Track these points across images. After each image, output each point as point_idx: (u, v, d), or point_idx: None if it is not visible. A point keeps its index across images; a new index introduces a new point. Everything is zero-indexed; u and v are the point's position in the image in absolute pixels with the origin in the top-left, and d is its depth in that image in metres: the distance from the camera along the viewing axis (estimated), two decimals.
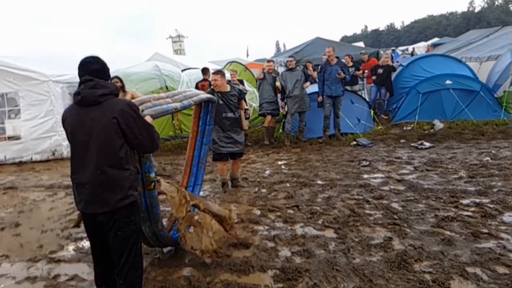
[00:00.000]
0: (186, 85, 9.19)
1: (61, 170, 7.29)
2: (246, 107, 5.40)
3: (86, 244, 3.90)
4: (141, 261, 2.51)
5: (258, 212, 4.32)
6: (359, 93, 9.45)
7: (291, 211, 4.23)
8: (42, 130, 8.24)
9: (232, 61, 14.52)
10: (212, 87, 4.92)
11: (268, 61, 8.51)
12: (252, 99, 9.37)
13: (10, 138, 8.40)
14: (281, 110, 8.00)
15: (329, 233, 3.62)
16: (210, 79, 7.92)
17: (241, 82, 8.20)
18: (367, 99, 9.22)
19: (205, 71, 8.36)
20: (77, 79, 7.20)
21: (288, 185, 5.18)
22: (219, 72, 4.97)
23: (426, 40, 29.57)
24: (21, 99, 8.33)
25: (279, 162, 6.48)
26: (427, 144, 6.62)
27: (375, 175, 5.26)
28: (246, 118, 5.78)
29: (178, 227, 3.11)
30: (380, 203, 4.22)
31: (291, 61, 7.57)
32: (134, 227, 2.40)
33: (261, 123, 8.61)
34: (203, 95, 3.94)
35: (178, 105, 3.26)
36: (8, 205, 5.46)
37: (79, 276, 3.28)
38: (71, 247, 3.90)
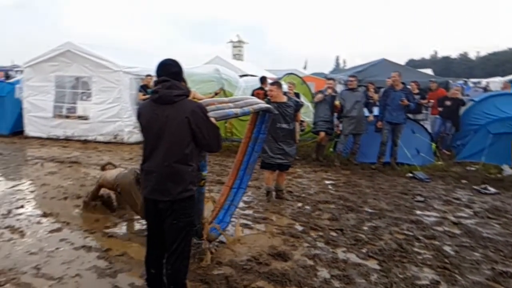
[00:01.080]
0: (243, 91, 9.47)
1: (121, 154, 7.88)
2: (302, 119, 5.47)
3: (137, 226, 4.23)
4: (189, 251, 2.71)
5: (300, 228, 4.36)
6: (422, 123, 9.11)
7: (334, 234, 4.22)
8: (108, 114, 8.99)
9: (289, 73, 14.65)
10: (268, 97, 5.07)
11: (329, 78, 8.51)
12: (306, 113, 9.40)
13: (79, 117, 9.27)
14: (335, 129, 7.95)
15: (372, 264, 3.57)
16: (267, 88, 8.15)
17: (297, 95, 8.28)
18: (429, 130, 8.87)
19: (263, 80, 8.55)
20: (144, 72, 7.89)
21: (333, 206, 5.16)
22: (275, 83, 5.15)
23: (503, 75, 27.66)
24: (93, 84, 9.17)
25: (326, 182, 6.45)
26: (492, 190, 6.22)
27: (429, 213, 5.06)
28: (301, 130, 5.84)
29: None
30: (431, 243, 4.07)
31: (352, 80, 7.52)
32: (189, 219, 2.62)
33: (312, 139, 8.62)
34: (263, 104, 4.10)
35: (238, 111, 3.44)
36: (71, 178, 6.03)
37: (128, 254, 3.59)
38: (123, 226, 4.25)
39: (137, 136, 9.29)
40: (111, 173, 4.45)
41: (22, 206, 4.82)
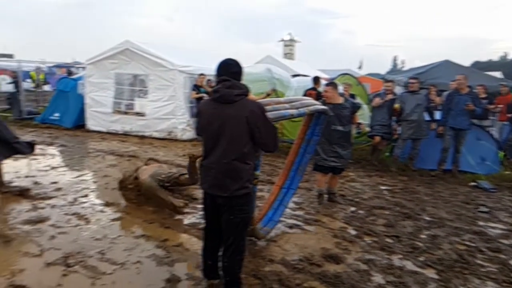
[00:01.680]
0: (295, 91, 9.50)
1: (174, 150, 8.31)
2: (359, 121, 5.42)
3: (191, 220, 4.47)
4: (244, 246, 2.85)
5: (353, 232, 4.35)
6: (488, 129, 8.59)
7: (389, 240, 4.17)
8: (163, 112, 9.48)
9: (344, 73, 14.40)
10: (322, 98, 5.07)
11: (387, 80, 8.29)
12: (362, 115, 9.23)
13: (137, 114, 9.88)
14: (393, 133, 7.73)
15: (430, 273, 3.49)
16: (320, 89, 8.13)
17: (352, 97, 8.15)
18: (497, 137, 8.34)
19: (316, 80, 8.53)
20: (198, 72, 8.18)
21: (388, 212, 5.07)
22: (331, 84, 5.12)
23: None
24: (150, 82, 9.69)
25: (382, 187, 6.33)
26: None
27: (494, 225, 4.81)
28: (358, 133, 5.79)
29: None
30: (496, 256, 3.88)
31: (414, 82, 7.27)
32: (245, 215, 2.76)
33: (366, 142, 8.45)
34: (319, 106, 4.14)
35: (294, 112, 3.52)
36: (130, 171, 6.43)
37: (184, 245, 3.82)
38: (179, 218, 4.50)
39: (190, 134, 9.71)
40: (145, 173, 4.79)
41: (86, 195, 5.26)
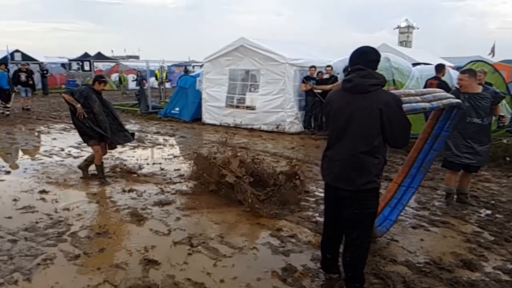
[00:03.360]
0: (416, 81, 8.83)
1: (282, 143, 8.50)
2: (501, 113, 4.74)
3: (307, 213, 4.48)
4: (369, 242, 2.75)
5: (491, 238, 3.86)
6: None
7: None
8: (272, 105, 9.76)
9: (476, 60, 12.81)
10: (457, 86, 4.56)
11: None
12: (501, 106, 8.08)
13: (247, 107, 10.35)
14: None
15: None
16: (443, 78, 7.35)
17: (489, 86, 7.18)
18: None
19: (439, 68, 7.72)
20: (308, 64, 8.08)
21: None
22: (468, 71, 4.58)
23: None
24: (261, 77, 10.03)
25: None
26: None
27: None
28: (499, 127, 5.09)
29: None
30: None
31: None
32: (371, 210, 2.64)
33: (502, 138, 7.37)
34: (453, 99, 3.73)
35: (427, 105, 3.24)
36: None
37: (298, 237, 3.86)
38: (292, 209, 4.55)
39: (298, 127, 9.81)
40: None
41: None
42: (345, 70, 8.00)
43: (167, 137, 9.22)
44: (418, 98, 3.20)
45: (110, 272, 3.16)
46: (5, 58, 17.27)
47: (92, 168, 5.79)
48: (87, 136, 5.52)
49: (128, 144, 7.97)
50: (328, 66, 9.58)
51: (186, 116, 11.76)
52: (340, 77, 9.28)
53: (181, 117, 11.85)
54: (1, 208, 4.53)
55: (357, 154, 2.52)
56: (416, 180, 4.04)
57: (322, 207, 4.63)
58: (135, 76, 22.02)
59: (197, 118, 11.58)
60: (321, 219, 4.21)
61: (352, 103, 2.54)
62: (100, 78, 5.80)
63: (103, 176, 5.64)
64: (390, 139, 2.56)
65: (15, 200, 4.78)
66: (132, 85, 22.59)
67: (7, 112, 12.22)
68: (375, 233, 3.66)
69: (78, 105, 5.32)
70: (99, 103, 5.47)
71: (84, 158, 6.10)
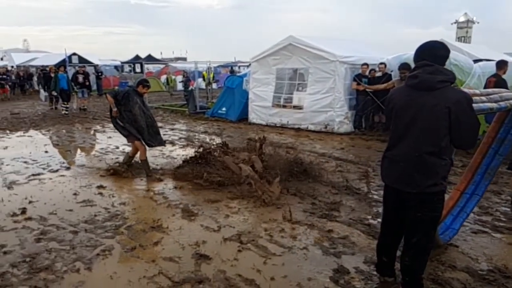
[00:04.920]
0: (478, 78, 8.37)
1: (331, 143, 8.40)
2: None
3: (359, 215, 4.43)
4: (430, 247, 2.66)
5: None
6: None
7: None
8: (321, 104, 9.67)
9: None
10: None
11: None
12: None
13: (294, 107, 10.34)
14: None
15: None
16: (504, 76, 6.87)
17: None
18: None
19: (500, 65, 7.21)
20: (360, 62, 7.96)
21: None
22: None
23: None
24: (309, 75, 9.98)
25: None
26: None
27: None
28: None
29: None
30: None
31: None
32: (435, 214, 2.55)
33: None
34: None
35: (494, 106, 3.08)
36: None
37: (350, 238, 3.82)
38: (342, 211, 4.52)
39: (347, 127, 9.63)
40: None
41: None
42: (400, 67, 7.74)
43: (214, 137, 9.45)
44: (484, 98, 3.05)
45: (164, 265, 3.32)
46: (63, 61, 18.52)
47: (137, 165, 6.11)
48: (126, 134, 5.97)
49: (178, 143, 8.30)
50: (382, 63, 9.31)
51: (232, 116, 11.97)
52: (394, 75, 9.01)
53: (228, 117, 12.08)
54: (63, 201, 4.89)
55: (422, 154, 2.43)
56: (481, 187, 3.84)
57: (375, 209, 4.58)
58: (184, 77, 22.76)
59: (243, 118, 11.75)
60: (374, 222, 4.18)
61: (417, 100, 2.45)
62: (145, 82, 6.16)
63: (150, 171, 5.95)
64: (456, 140, 2.45)
65: (75, 194, 5.15)
66: (180, 86, 23.34)
67: (66, 112, 13.15)
68: (438, 241, 3.53)
69: (115, 109, 5.78)
70: (140, 105, 5.88)
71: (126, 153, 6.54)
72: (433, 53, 2.47)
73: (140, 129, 5.86)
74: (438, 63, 2.45)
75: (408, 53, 9.23)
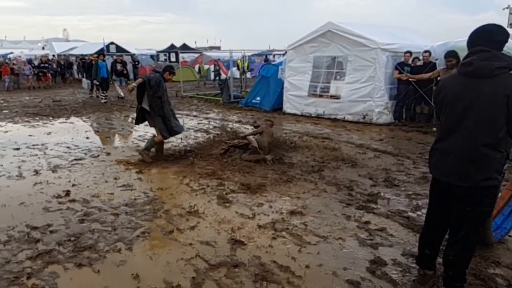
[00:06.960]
0: None
1: (370, 134, 8.28)
2: None
3: (398, 207, 4.38)
4: (477, 242, 2.62)
5: None
6: None
7: None
8: (359, 94, 9.51)
9: None
10: None
11: None
12: None
13: (331, 96, 10.24)
14: None
15: None
16: None
17: None
18: None
19: None
20: (403, 49, 7.80)
21: None
22: None
23: None
24: (348, 63, 9.82)
25: None
26: None
27: None
28: None
29: None
30: None
31: None
32: (486, 209, 2.49)
33: None
34: None
35: None
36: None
37: (387, 231, 3.81)
38: (380, 203, 4.50)
39: (387, 117, 9.44)
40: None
41: None
42: (446, 55, 7.49)
43: (248, 126, 9.54)
44: None
45: (201, 248, 3.46)
46: (102, 50, 19.24)
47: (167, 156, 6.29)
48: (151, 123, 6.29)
49: (212, 132, 8.47)
50: (426, 51, 9.00)
51: (267, 106, 12.02)
52: (439, 63, 8.70)
53: (262, 107, 12.14)
54: (104, 185, 5.16)
55: (478, 146, 2.35)
56: None
57: (414, 202, 4.53)
58: (215, 66, 22.96)
59: (278, 107, 11.76)
60: (414, 215, 4.14)
61: (472, 89, 2.35)
62: (171, 69, 6.46)
63: (149, 151, 6.28)
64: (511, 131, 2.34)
65: (115, 178, 5.42)
66: (212, 75, 23.61)
67: (105, 100, 13.69)
68: (491, 239, 3.44)
69: (133, 90, 6.02)
70: (167, 92, 6.17)
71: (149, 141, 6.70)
72: (489, 38, 2.37)
73: (167, 115, 6.15)
74: (495, 48, 2.34)
75: (454, 40, 8.90)
